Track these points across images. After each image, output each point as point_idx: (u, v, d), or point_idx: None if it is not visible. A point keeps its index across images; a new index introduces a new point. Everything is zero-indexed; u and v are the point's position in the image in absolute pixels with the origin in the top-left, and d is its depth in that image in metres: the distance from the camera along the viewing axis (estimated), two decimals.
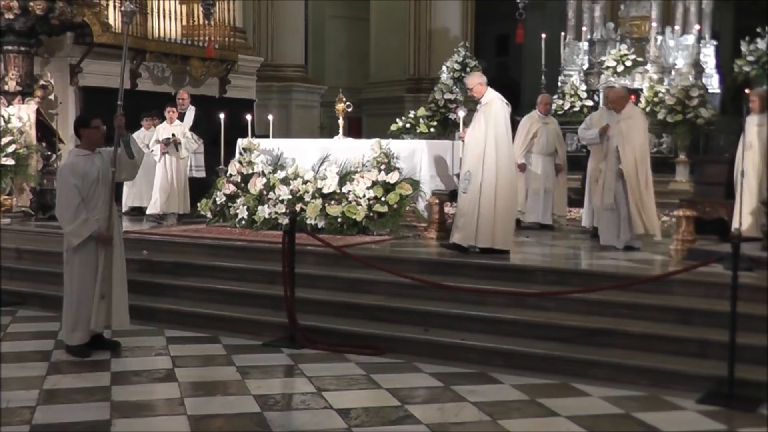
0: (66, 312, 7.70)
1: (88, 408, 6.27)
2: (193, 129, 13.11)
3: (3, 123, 12.85)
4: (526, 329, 7.71)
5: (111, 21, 14.76)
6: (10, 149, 12.58)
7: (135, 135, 12.92)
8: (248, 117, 12.77)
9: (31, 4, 13.18)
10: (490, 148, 9.26)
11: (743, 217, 9.56)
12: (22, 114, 13.14)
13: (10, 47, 13.42)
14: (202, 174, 13.30)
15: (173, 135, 12.51)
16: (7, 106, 13.19)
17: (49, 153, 13.31)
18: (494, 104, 9.41)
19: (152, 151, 12.66)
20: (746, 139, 9.60)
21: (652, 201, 9.88)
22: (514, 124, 11.43)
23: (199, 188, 12.81)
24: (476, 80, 9.65)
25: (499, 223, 9.30)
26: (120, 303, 7.74)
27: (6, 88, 13.34)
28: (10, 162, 12.57)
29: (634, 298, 7.74)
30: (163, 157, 12.62)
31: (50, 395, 6.57)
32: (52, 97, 13.99)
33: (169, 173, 12.63)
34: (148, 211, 12.79)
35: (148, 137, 13.00)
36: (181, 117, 13.14)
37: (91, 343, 7.71)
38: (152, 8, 16.21)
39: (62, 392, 6.65)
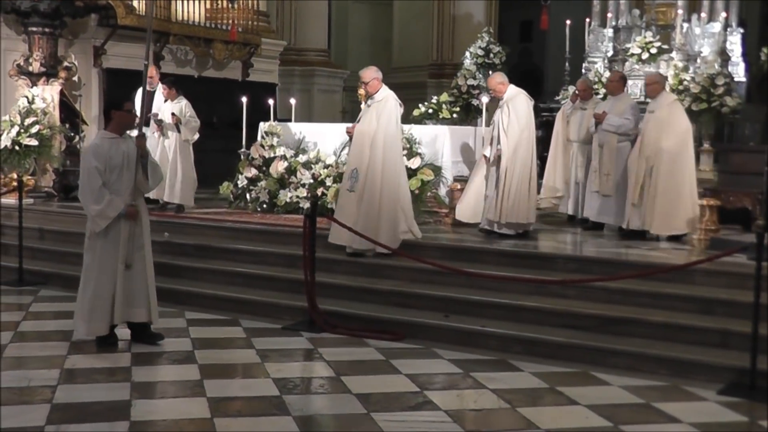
0: (80, 301, 7.39)
1: (108, 388, 6.31)
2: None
3: (27, 104, 12.91)
4: (546, 317, 7.69)
5: (135, 3, 14.76)
6: (34, 130, 12.64)
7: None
8: (270, 101, 12.76)
9: None
10: (378, 147, 8.97)
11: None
12: (46, 95, 13.20)
13: (34, 29, 13.44)
14: None
15: (173, 115, 11.46)
16: (32, 87, 13.25)
17: (72, 134, 13.37)
18: (389, 102, 9.15)
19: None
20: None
21: (521, 191, 9.53)
22: (537, 111, 11.26)
23: None
24: (373, 74, 9.30)
25: (383, 224, 8.96)
26: (153, 296, 7.48)
27: (30, 69, 13.38)
28: (34, 143, 12.64)
29: (655, 287, 7.69)
30: (160, 140, 11.63)
31: (71, 375, 6.61)
32: (75, 78, 14.02)
33: (171, 158, 11.57)
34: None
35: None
36: (150, 96, 11.62)
37: (134, 332, 7.52)
38: None
39: (83, 372, 6.70)
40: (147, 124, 10.93)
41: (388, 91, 9.30)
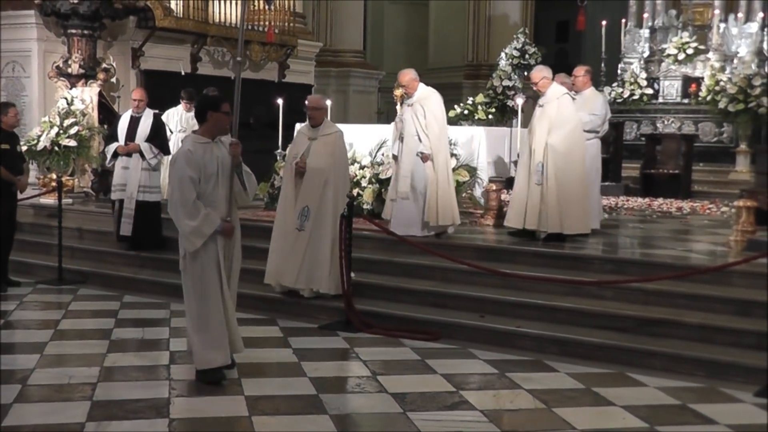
0: (192, 331, 6.49)
1: (147, 386, 6.38)
2: (150, 140, 10.47)
3: (66, 105, 13.06)
4: (582, 318, 7.68)
5: (173, 5, 14.90)
6: (73, 131, 12.79)
7: (168, 114, 12.30)
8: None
9: None
10: (331, 186, 8.59)
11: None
12: (85, 96, 13.37)
13: (74, 30, 13.60)
14: (156, 197, 10.56)
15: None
16: (70, 89, 13.41)
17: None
18: (339, 137, 8.80)
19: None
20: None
21: (449, 194, 9.45)
22: None
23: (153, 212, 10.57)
24: (321, 104, 8.99)
25: (332, 267, 8.52)
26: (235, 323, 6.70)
27: (69, 70, 13.54)
28: (73, 143, 12.78)
29: (692, 288, 7.66)
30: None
31: (110, 372, 6.70)
32: (114, 80, 14.18)
33: None
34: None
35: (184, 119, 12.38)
36: (135, 123, 10.56)
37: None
38: None
39: (122, 370, 6.78)
40: (128, 155, 10.42)
41: (333, 124, 8.99)
